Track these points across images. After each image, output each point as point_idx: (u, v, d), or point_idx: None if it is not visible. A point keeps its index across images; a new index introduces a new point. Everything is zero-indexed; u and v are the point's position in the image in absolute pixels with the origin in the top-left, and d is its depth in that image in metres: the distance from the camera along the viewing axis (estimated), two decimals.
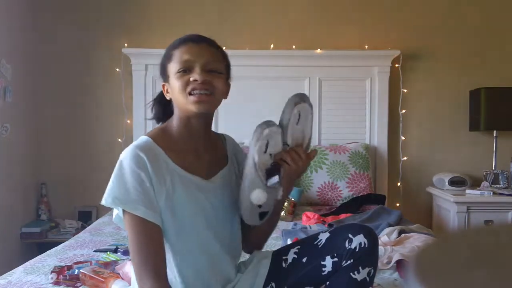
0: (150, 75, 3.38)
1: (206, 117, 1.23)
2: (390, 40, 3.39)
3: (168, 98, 1.24)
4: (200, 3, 3.43)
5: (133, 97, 3.38)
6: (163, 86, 1.26)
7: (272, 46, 3.37)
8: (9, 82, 3.08)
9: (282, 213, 2.53)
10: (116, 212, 1.18)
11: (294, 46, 3.39)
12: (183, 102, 1.17)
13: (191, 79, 1.15)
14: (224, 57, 1.26)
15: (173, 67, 1.19)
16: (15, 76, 3.14)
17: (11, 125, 3.10)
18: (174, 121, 1.23)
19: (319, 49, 3.35)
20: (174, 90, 1.18)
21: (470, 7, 3.43)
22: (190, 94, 1.15)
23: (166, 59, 1.23)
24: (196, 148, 1.25)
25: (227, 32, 3.34)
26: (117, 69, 3.40)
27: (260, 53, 3.32)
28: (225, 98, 1.25)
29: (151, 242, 1.10)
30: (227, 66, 1.26)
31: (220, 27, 3.37)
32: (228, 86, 1.27)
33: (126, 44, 3.38)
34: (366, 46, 3.39)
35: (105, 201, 1.14)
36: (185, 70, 1.17)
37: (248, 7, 3.42)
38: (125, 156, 1.14)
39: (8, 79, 3.07)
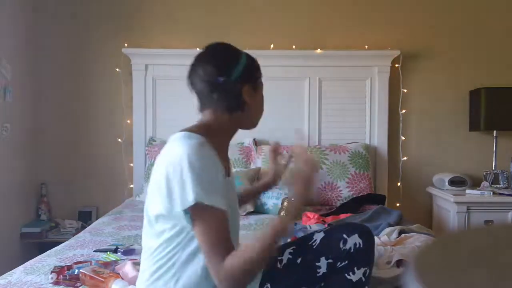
0: (150, 75, 3.38)
1: None
2: (390, 40, 3.39)
3: (247, 100, 1.25)
4: (200, 3, 3.43)
5: (133, 97, 3.38)
6: (245, 87, 1.24)
7: (272, 46, 3.37)
8: (9, 82, 3.08)
9: (282, 213, 2.52)
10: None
11: (294, 46, 3.39)
12: (255, 120, 1.32)
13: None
14: None
15: (262, 87, 1.33)
16: (15, 76, 3.14)
17: (11, 125, 3.10)
18: (218, 130, 1.26)
19: (319, 49, 3.35)
20: (259, 107, 1.31)
21: (470, 7, 3.42)
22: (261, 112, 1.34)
23: (259, 72, 1.31)
24: (227, 150, 1.34)
25: (227, 32, 3.34)
26: (117, 69, 3.40)
27: (260, 53, 3.28)
28: None
29: (227, 237, 1.11)
30: None
31: (220, 27, 3.37)
32: None
33: (126, 44, 3.38)
34: (366, 46, 3.39)
35: (187, 202, 1.09)
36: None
37: (248, 7, 3.42)
38: (193, 154, 1.12)
39: (8, 79, 3.06)
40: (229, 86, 1.22)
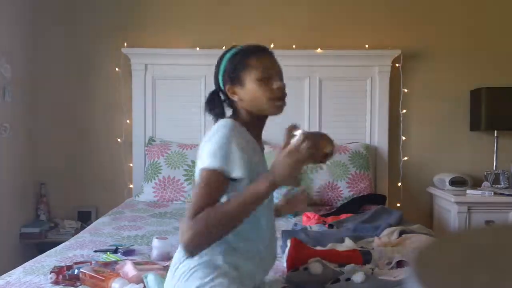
0: (149, 74, 3.37)
1: None
2: (391, 40, 3.39)
3: (235, 99, 1.37)
4: (199, 3, 3.42)
5: (133, 97, 3.38)
6: (229, 89, 1.37)
7: (272, 46, 3.36)
8: (8, 82, 3.08)
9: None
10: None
11: (294, 46, 3.38)
12: (266, 106, 1.34)
13: (275, 86, 1.33)
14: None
15: (253, 75, 1.33)
16: (14, 76, 3.14)
17: (11, 125, 3.10)
18: (243, 117, 1.38)
19: (319, 49, 3.35)
20: (254, 94, 1.33)
21: (470, 7, 3.42)
22: (273, 99, 1.33)
23: (240, 66, 1.35)
24: (258, 137, 1.42)
25: (227, 32, 3.34)
26: (117, 69, 3.40)
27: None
28: None
29: (211, 196, 1.21)
30: None
31: (219, 27, 3.36)
32: None
33: (125, 44, 3.38)
34: (367, 46, 3.38)
35: (199, 167, 1.26)
36: (266, 77, 1.33)
37: (248, 7, 3.41)
38: (223, 129, 1.27)
39: (7, 79, 3.06)
40: (217, 93, 1.43)
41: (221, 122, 1.32)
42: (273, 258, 1.46)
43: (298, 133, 1.20)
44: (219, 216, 1.16)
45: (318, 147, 1.24)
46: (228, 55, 1.38)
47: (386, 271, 1.66)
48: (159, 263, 1.74)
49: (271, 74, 1.35)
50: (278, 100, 1.35)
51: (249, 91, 1.34)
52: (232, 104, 1.41)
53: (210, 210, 1.16)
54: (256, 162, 1.32)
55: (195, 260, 1.25)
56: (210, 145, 1.26)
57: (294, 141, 1.19)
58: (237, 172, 1.24)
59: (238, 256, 1.30)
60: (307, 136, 1.18)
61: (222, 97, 1.42)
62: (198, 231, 1.15)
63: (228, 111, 1.43)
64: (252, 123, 1.39)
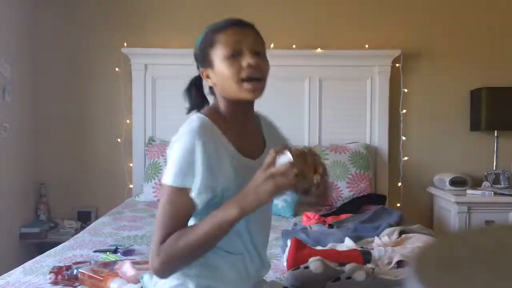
0: (149, 74, 3.37)
1: (252, 101, 1.21)
2: (391, 40, 3.39)
3: (210, 84, 1.20)
4: (199, 3, 3.42)
5: (133, 97, 3.38)
6: (202, 72, 1.21)
7: (272, 46, 3.36)
8: (8, 81, 3.08)
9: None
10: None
11: (294, 46, 3.38)
12: (235, 89, 1.13)
13: (244, 63, 1.11)
14: (263, 40, 1.22)
15: (220, 52, 1.13)
16: (14, 75, 3.14)
17: (10, 125, 3.10)
18: (221, 106, 1.20)
19: (319, 49, 3.35)
20: (222, 76, 1.14)
21: (470, 6, 3.42)
22: (243, 80, 1.12)
23: (208, 44, 1.16)
24: (245, 132, 1.22)
25: None
26: (117, 69, 3.40)
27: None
28: None
29: (176, 222, 1.07)
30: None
31: None
32: None
33: (125, 44, 3.38)
34: (367, 46, 3.38)
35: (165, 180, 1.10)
36: (234, 54, 1.12)
37: (248, 7, 3.41)
38: (186, 136, 1.09)
39: (7, 78, 3.06)
40: (196, 80, 1.28)
41: (189, 120, 1.14)
42: (264, 266, 1.30)
43: (287, 154, 0.99)
44: (188, 243, 1.02)
45: (305, 174, 0.99)
46: (202, 35, 1.22)
47: (387, 271, 1.66)
48: None
49: (241, 50, 1.12)
50: (247, 82, 1.12)
51: (217, 72, 1.15)
52: (212, 91, 1.24)
53: (178, 236, 1.04)
54: (231, 172, 1.12)
55: (168, 284, 1.16)
56: (173, 153, 1.10)
57: (280, 162, 0.99)
58: (200, 191, 1.07)
59: (217, 276, 1.15)
60: (298, 158, 0.98)
61: (210, 83, 1.22)
62: (167, 259, 1.04)
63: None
64: (233, 114, 1.19)
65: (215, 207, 1.05)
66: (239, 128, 1.20)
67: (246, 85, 1.12)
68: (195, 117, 1.14)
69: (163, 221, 1.07)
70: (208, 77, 1.19)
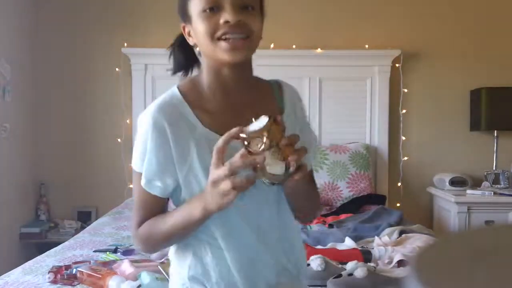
0: (149, 74, 3.37)
1: (242, 65, 0.99)
2: (391, 40, 3.39)
3: (191, 43, 1.01)
4: None
5: (133, 97, 3.38)
6: (183, 27, 1.01)
7: (272, 46, 3.36)
8: (8, 81, 3.08)
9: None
10: None
11: (294, 46, 3.38)
12: (212, 50, 0.94)
13: (221, 20, 0.91)
14: None
15: (197, 5, 0.94)
16: (14, 75, 3.14)
17: (10, 125, 3.10)
18: (204, 73, 1.01)
19: (319, 49, 3.35)
20: (199, 34, 0.95)
21: (470, 6, 3.42)
22: (220, 39, 0.92)
23: (188, 4, 0.97)
24: (233, 104, 1.00)
25: None
26: (117, 69, 3.40)
27: (260, 52, 3.26)
28: (260, 38, 1.02)
29: (145, 209, 1.00)
30: None
31: None
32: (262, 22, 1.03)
33: (125, 44, 3.38)
34: (367, 46, 3.38)
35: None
36: (213, 8, 0.93)
37: None
38: (144, 116, 0.96)
39: (7, 78, 3.06)
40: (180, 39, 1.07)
41: (164, 96, 0.99)
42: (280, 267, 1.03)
43: (262, 120, 0.81)
44: (158, 233, 0.96)
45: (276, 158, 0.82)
46: None
47: (388, 270, 1.67)
48: (156, 261, 1.74)
49: (220, 3, 0.92)
50: (221, 40, 0.92)
51: (194, 29, 0.96)
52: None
53: (149, 225, 0.98)
54: (200, 151, 0.94)
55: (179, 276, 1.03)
56: (137, 140, 0.98)
57: (250, 130, 0.82)
58: (149, 179, 0.96)
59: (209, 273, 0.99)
60: (274, 130, 0.80)
61: (191, 42, 1.02)
62: (144, 244, 1.01)
63: None
64: (216, 81, 0.99)
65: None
66: (224, 100, 1.00)
67: (223, 44, 0.92)
68: (168, 91, 1.01)
69: (136, 207, 1.01)
70: (189, 35, 1.00)
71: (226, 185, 0.82)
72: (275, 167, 0.82)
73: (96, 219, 3.01)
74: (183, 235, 0.97)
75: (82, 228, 3.04)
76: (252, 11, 0.97)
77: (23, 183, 3.29)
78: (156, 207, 1.00)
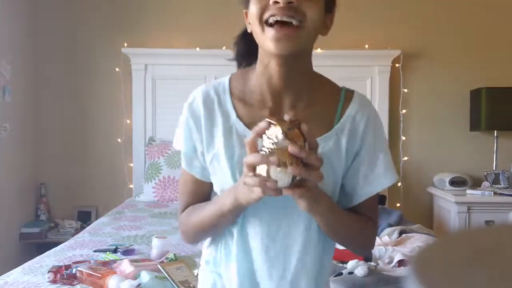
0: (149, 74, 3.37)
1: (293, 59, 0.87)
2: (391, 40, 3.39)
3: (249, 30, 0.91)
4: (199, 3, 3.42)
5: (133, 97, 3.38)
6: (246, 14, 0.93)
7: None
8: (8, 82, 3.08)
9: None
10: None
11: None
12: (260, 37, 0.85)
13: (271, 1, 0.82)
14: None
15: None
16: (14, 76, 3.14)
17: (10, 125, 3.10)
18: (257, 63, 0.92)
19: (319, 49, 3.34)
20: (251, 18, 0.87)
21: (471, 6, 3.42)
22: (267, 24, 0.83)
23: None
24: (277, 102, 0.91)
25: (227, 32, 3.33)
26: (117, 69, 3.40)
27: None
28: (324, 34, 0.96)
29: (187, 194, 0.97)
30: None
31: (219, 27, 3.36)
32: (327, 18, 0.95)
33: (125, 44, 3.38)
34: (367, 46, 3.38)
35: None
36: None
37: None
38: (188, 99, 0.95)
39: (7, 79, 3.06)
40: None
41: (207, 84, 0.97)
42: None
43: (277, 129, 0.72)
44: (193, 222, 0.93)
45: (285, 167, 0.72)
46: None
47: (389, 269, 1.67)
48: (156, 260, 1.74)
49: None
50: (268, 25, 0.83)
51: (249, 12, 0.89)
52: None
53: (188, 213, 0.95)
54: (227, 143, 0.89)
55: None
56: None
57: (264, 140, 0.75)
58: (188, 158, 0.94)
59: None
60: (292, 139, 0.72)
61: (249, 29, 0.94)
62: (182, 232, 0.98)
63: None
64: (263, 70, 0.91)
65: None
66: (268, 95, 0.91)
67: (269, 31, 0.83)
68: (222, 78, 0.97)
69: (180, 192, 1.00)
70: (249, 22, 0.91)
71: (252, 180, 0.75)
72: (280, 175, 0.73)
73: (96, 219, 3.01)
74: (215, 227, 0.91)
75: (82, 228, 3.04)
76: None
77: (23, 183, 3.29)
78: (198, 191, 0.96)
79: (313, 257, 0.91)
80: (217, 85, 0.94)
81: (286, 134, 0.71)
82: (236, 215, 0.87)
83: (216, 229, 0.92)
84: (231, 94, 0.93)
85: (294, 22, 0.82)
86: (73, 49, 3.44)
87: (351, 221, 0.93)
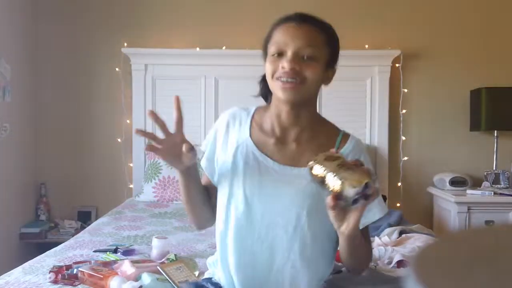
0: (149, 74, 3.37)
1: (297, 105, 1.15)
2: (391, 40, 3.39)
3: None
4: (199, 3, 3.42)
5: (133, 97, 3.38)
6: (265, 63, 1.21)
7: None
8: (8, 82, 3.08)
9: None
10: None
11: None
12: (272, 86, 1.15)
13: (280, 65, 1.11)
14: (328, 41, 1.20)
15: (271, 48, 1.15)
16: (14, 76, 3.14)
17: (10, 125, 3.10)
18: (273, 103, 1.21)
19: None
20: (266, 72, 1.16)
21: (471, 6, 3.42)
22: (277, 79, 1.11)
23: (268, 37, 1.19)
24: (283, 136, 1.19)
25: (226, 32, 3.34)
26: (117, 69, 3.40)
27: (260, 53, 3.31)
28: (325, 84, 1.23)
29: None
30: (332, 51, 1.20)
31: (219, 27, 3.36)
32: (328, 73, 1.21)
33: (125, 44, 3.38)
34: (367, 46, 3.38)
35: None
36: (279, 54, 1.13)
37: (248, 7, 3.41)
38: (223, 114, 1.28)
39: (7, 79, 3.06)
40: None
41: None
42: None
43: (356, 189, 0.92)
44: (184, 207, 1.27)
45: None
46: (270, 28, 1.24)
47: (388, 269, 1.67)
48: (156, 261, 1.74)
49: (285, 50, 1.11)
50: (278, 80, 1.11)
51: (265, 66, 1.17)
52: None
53: None
54: (235, 156, 1.18)
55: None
56: None
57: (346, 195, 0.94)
58: (205, 158, 1.27)
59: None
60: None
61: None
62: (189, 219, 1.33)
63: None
64: (276, 112, 1.19)
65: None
66: (277, 127, 1.19)
67: (278, 83, 1.11)
68: (252, 106, 1.27)
69: None
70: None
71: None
72: (347, 188, 0.92)
73: (96, 219, 3.01)
74: (188, 198, 1.21)
75: (82, 228, 3.04)
76: (311, 62, 1.12)
77: (23, 183, 3.29)
78: (208, 188, 1.26)
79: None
80: (244, 109, 1.25)
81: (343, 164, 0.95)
82: (186, 179, 1.17)
83: (190, 200, 1.22)
84: (253, 118, 1.22)
85: (296, 81, 1.10)
86: (73, 49, 3.44)
87: (364, 244, 1.13)
